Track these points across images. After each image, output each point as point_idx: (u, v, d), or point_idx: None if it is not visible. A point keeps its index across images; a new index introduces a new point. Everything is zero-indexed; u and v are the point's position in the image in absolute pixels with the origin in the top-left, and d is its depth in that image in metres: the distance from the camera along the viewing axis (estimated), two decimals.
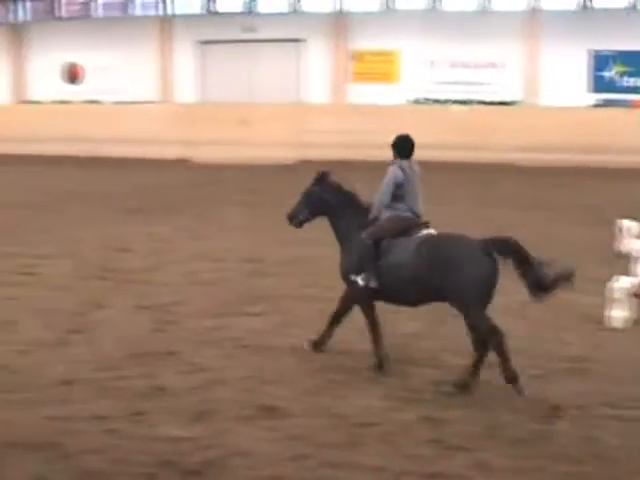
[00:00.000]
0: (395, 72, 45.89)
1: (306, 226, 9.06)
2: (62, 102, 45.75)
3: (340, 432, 6.84)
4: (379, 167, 21.92)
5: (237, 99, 41.77)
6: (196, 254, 13.57)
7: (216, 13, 49.00)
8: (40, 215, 17.96)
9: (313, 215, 9.43)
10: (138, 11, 50.26)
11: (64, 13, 51.55)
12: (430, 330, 9.32)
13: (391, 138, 9.70)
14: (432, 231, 8.64)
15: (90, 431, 6.82)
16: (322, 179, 9.62)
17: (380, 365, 8.28)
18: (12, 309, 10.36)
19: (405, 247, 8.37)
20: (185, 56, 48.09)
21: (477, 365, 7.81)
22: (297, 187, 21.15)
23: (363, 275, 8.41)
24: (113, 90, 48.06)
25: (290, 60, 46.92)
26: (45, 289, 11.37)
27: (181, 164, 28.60)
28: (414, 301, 8.49)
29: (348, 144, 28.68)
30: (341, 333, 8.80)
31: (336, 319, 8.72)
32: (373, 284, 8.35)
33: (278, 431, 6.82)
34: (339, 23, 46.15)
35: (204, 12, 49.19)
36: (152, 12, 49.22)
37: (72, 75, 50.58)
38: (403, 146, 9.53)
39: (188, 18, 49.11)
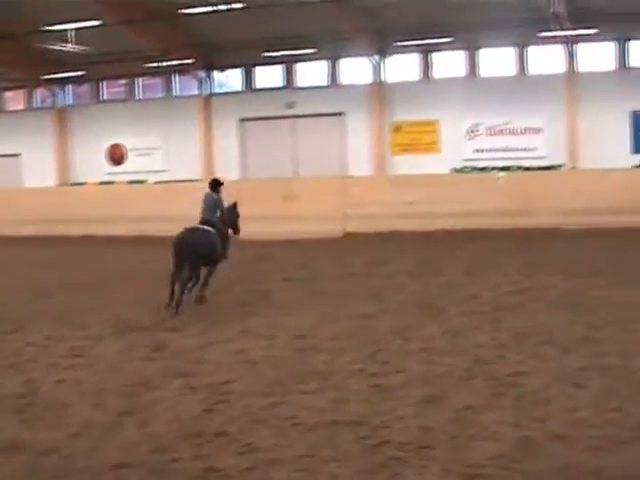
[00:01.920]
0: (435, 141, 46.07)
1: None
2: (106, 183, 46.35)
3: None
4: (424, 236, 22.01)
5: (280, 174, 42.04)
6: (246, 331, 13.51)
7: (256, 90, 49.58)
8: (89, 296, 18.02)
9: None
10: (179, 91, 50.99)
11: (107, 96, 52.45)
12: (486, 402, 9.13)
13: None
14: (197, 226, 16.27)
15: None
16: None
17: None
18: (62, 392, 10.28)
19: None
20: (227, 134, 48.63)
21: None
22: (343, 260, 21.12)
23: None
24: (156, 169, 48.70)
25: (331, 133, 47.29)
26: (95, 371, 11.32)
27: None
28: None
29: (392, 215, 28.68)
30: (396, 408, 8.76)
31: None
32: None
33: None
34: (378, 95, 46.55)
35: (244, 89, 49.81)
36: (193, 92, 49.94)
37: (116, 156, 51.26)
38: (211, 184, 17.15)
39: (229, 96, 49.71)
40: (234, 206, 17.86)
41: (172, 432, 8.56)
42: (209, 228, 16.25)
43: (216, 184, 17.03)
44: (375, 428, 8.37)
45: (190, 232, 16.01)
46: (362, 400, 9.33)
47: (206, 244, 15.96)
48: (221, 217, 16.94)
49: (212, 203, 16.71)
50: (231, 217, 17.60)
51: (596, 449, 7.55)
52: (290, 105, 47.76)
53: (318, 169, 43.34)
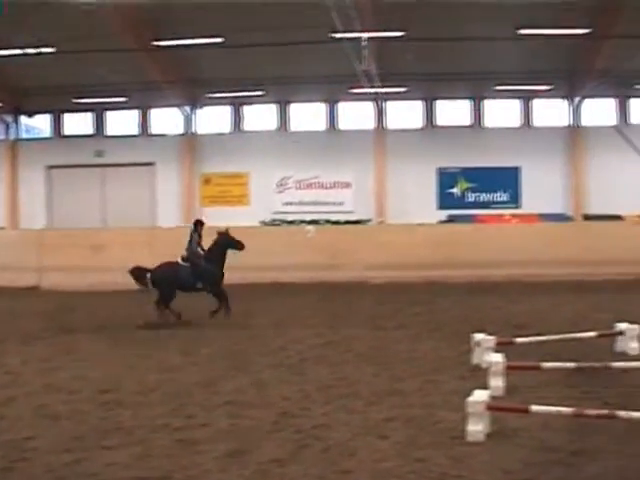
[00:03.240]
0: (245, 194, 46.38)
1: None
2: None
3: None
4: (231, 289, 21.98)
5: (88, 223, 41.43)
6: (49, 385, 13.12)
7: (65, 137, 48.78)
8: None
9: None
10: None
11: None
12: (292, 455, 9.14)
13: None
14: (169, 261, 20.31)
15: None
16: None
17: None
18: None
19: None
20: (33, 181, 47.66)
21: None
22: (150, 313, 20.87)
23: None
24: None
25: (141, 183, 47.01)
26: None
27: (31, 292, 27.97)
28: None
29: None
30: (201, 463, 8.66)
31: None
32: None
33: None
34: (188, 146, 46.63)
35: (52, 136, 48.94)
36: None
37: None
38: (194, 223, 20.88)
39: (36, 142, 48.76)
40: (226, 231, 21.04)
41: None
42: (182, 263, 20.37)
43: (197, 224, 20.95)
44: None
45: (164, 265, 20.57)
46: (166, 455, 9.20)
47: (166, 275, 20.10)
48: (205, 253, 20.65)
49: (190, 239, 20.56)
50: (228, 241, 20.82)
51: None
52: (99, 153, 47.26)
53: (127, 219, 42.91)
